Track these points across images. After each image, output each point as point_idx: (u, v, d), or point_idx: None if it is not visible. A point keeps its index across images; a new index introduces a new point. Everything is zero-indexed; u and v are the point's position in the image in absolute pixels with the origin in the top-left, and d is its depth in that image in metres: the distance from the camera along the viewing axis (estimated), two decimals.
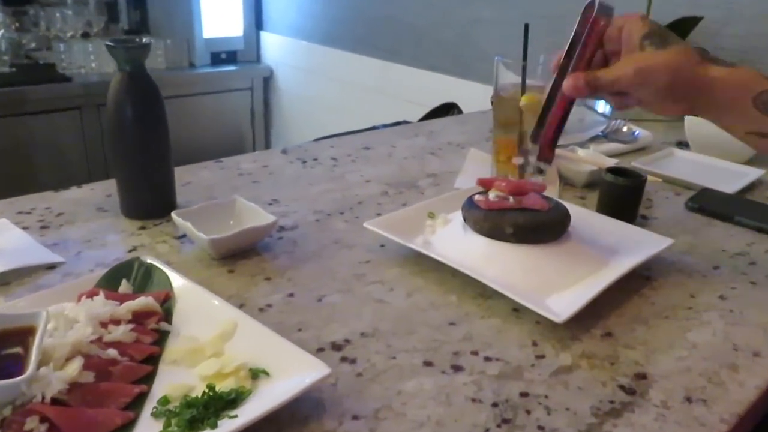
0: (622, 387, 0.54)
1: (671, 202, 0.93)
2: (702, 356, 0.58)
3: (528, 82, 0.91)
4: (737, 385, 0.54)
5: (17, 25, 2.32)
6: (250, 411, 0.45)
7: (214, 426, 0.43)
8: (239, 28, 2.53)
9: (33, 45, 2.34)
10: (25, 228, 0.74)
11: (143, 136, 0.73)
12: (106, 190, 0.82)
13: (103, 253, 0.70)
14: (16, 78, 2.12)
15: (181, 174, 0.93)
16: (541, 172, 0.73)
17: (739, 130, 0.64)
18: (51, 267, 0.66)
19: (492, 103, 1.00)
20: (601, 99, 0.89)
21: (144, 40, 0.72)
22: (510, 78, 0.92)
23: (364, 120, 1.59)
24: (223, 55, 2.53)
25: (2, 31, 2.18)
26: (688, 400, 0.52)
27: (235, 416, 0.44)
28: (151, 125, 0.74)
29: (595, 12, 0.63)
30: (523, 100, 0.90)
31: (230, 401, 0.46)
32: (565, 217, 0.71)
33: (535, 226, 0.69)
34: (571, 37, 0.65)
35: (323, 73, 2.33)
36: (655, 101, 0.63)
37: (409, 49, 1.98)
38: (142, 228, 0.76)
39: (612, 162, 0.99)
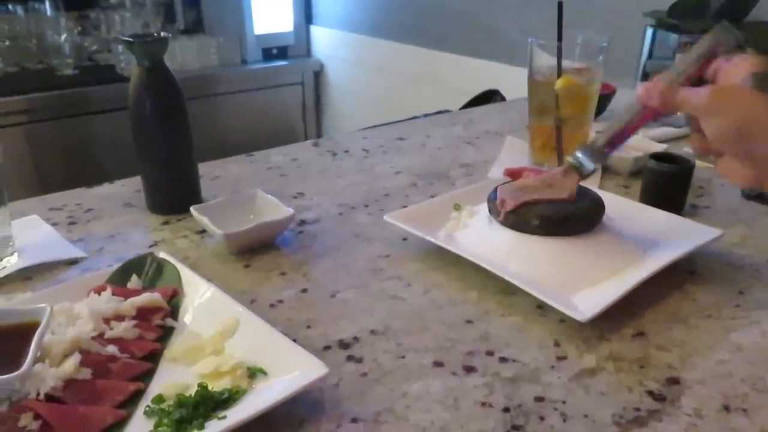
0: (650, 393, 0.49)
1: (726, 190, 0.86)
2: (747, 360, 0.53)
3: (564, 63, 0.86)
4: None
5: (80, 29, 2.41)
6: (241, 412, 0.43)
7: (201, 427, 0.42)
8: (289, 23, 2.54)
9: (95, 47, 2.43)
10: (54, 224, 0.75)
11: (163, 131, 0.73)
12: (136, 185, 0.83)
13: (124, 248, 0.70)
14: (79, 79, 2.21)
15: (211, 168, 0.93)
16: (586, 176, 0.66)
17: None
18: (73, 262, 0.67)
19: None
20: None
21: (162, 34, 0.72)
22: (545, 60, 0.87)
23: (413, 111, 1.56)
24: (274, 51, 2.55)
25: (65, 35, 2.27)
26: (726, 408, 0.47)
27: (224, 417, 0.43)
28: (170, 119, 0.74)
29: (715, 35, 0.53)
30: (559, 83, 0.85)
31: (223, 401, 0.45)
32: (597, 207, 0.66)
33: (563, 217, 0.64)
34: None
35: (372, 65, 2.32)
36: (723, 143, 0.50)
37: (458, 37, 1.93)
38: (166, 223, 0.76)
39: (660, 147, 0.92)
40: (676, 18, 1.20)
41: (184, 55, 2.40)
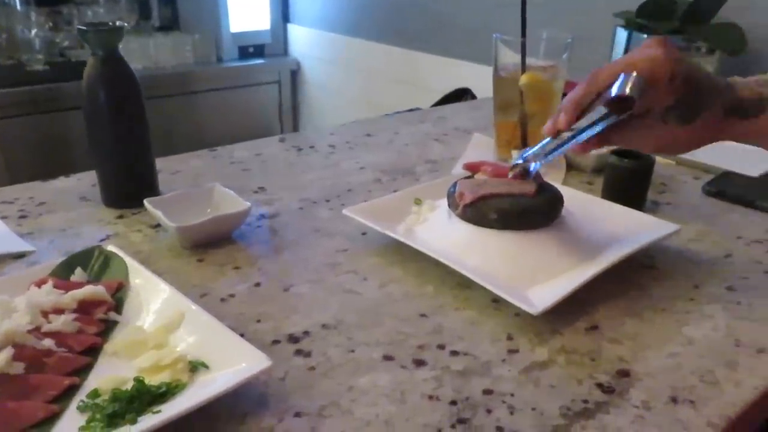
0: (599, 385, 0.48)
1: (688, 187, 0.86)
2: (697, 353, 0.52)
3: (529, 61, 0.85)
4: (733, 385, 0.48)
5: (51, 24, 2.37)
6: (178, 405, 0.42)
7: (134, 422, 0.41)
8: (266, 22, 2.52)
9: (66, 43, 2.39)
10: (3, 218, 0.73)
11: (117, 122, 0.72)
12: (92, 179, 0.81)
13: (74, 242, 0.68)
14: (50, 75, 2.17)
15: (172, 163, 0.91)
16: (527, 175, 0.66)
17: None
18: (20, 256, 0.66)
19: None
20: None
21: (117, 23, 0.71)
22: (510, 57, 0.87)
23: (390, 110, 1.55)
24: (251, 49, 2.53)
25: (36, 30, 2.23)
26: (674, 400, 0.47)
27: (159, 411, 0.41)
28: (125, 111, 0.72)
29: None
30: (523, 79, 0.85)
31: (160, 395, 0.43)
32: (556, 201, 0.66)
33: (521, 210, 0.63)
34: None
35: (349, 65, 2.31)
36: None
37: (433, 37, 1.93)
38: (120, 217, 0.74)
39: None
40: (644, 18, 1.21)
41: (158, 53, 2.37)
